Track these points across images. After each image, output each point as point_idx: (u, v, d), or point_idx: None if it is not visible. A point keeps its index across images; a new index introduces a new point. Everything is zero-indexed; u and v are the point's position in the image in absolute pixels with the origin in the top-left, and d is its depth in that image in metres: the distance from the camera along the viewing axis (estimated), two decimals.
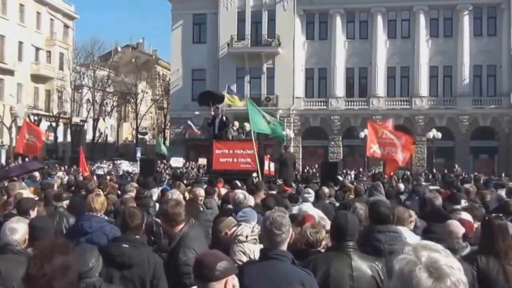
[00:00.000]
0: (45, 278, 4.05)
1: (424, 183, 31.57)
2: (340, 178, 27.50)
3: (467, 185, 17.09)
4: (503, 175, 44.07)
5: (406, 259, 2.74)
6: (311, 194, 12.84)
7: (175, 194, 11.07)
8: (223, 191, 14.88)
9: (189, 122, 54.72)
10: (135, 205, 9.94)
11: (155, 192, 14.91)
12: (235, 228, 8.07)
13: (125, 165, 52.30)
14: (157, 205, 12.00)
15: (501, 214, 8.43)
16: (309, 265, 5.75)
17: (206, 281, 4.16)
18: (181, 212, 7.34)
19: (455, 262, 2.71)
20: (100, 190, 14.14)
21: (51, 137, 73.39)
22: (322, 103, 65.61)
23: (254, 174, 19.29)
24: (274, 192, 14.60)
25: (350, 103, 65.03)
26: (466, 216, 9.56)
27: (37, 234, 6.66)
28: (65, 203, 10.78)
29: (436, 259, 2.67)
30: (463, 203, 13.12)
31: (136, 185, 15.90)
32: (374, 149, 23.57)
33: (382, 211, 7.42)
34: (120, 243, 6.72)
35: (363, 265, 5.87)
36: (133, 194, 13.98)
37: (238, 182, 17.06)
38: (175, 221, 7.27)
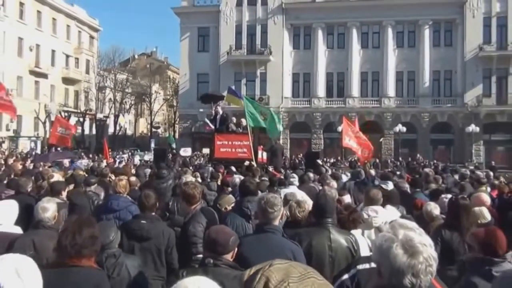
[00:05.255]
0: (76, 247, 4.20)
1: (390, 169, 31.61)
2: (320, 162, 27.47)
3: (426, 169, 17.13)
4: (467, 164, 43.69)
5: (385, 236, 2.74)
6: (295, 179, 12.80)
7: (189, 178, 11.07)
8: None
9: (206, 120, 54.26)
10: None
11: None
12: (233, 205, 8.27)
13: (136, 159, 52.13)
14: None
15: (465, 196, 8.45)
16: (295, 237, 5.75)
17: (221, 254, 4.44)
18: (197, 194, 7.55)
19: (428, 239, 2.72)
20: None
21: (79, 130, 73.32)
22: (306, 102, 65.62)
23: (246, 163, 19.18)
24: (265, 177, 14.56)
25: (329, 102, 65.03)
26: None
27: (76, 210, 6.71)
28: (93, 187, 10.71)
29: (411, 238, 2.67)
30: (433, 186, 13.21)
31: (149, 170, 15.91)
32: (347, 141, 23.56)
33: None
34: (139, 219, 6.89)
35: (340, 238, 5.88)
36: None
37: (233, 168, 17.15)
38: (190, 201, 7.51)
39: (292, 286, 2.08)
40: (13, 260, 2.98)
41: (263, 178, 14.08)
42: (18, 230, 6.47)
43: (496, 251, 4.75)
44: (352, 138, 23.60)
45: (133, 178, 12.13)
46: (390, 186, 12.60)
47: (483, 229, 5.07)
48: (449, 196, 9.25)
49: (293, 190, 11.05)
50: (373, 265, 4.49)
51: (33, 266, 3.05)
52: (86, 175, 12.91)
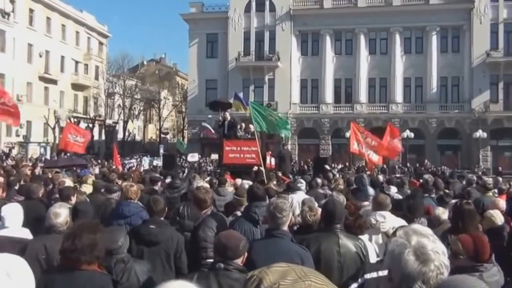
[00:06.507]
0: (75, 253, 4.26)
1: (398, 175, 31.48)
2: (328, 167, 27.48)
3: (426, 176, 16.99)
4: (476, 170, 43.58)
5: (397, 242, 2.72)
6: (303, 184, 12.78)
7: (200, 183, 11.11)
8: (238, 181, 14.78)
9: (206, 124, 54.48)
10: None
11: None
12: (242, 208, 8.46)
13: (146, 163, 52.42)
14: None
15: (470, 201, 8.47)
16: (304, 243, 5.74)
17: (231, 259, 4.46)
18: (208, 199, 7.62)
19: (441, 247, 2.69)
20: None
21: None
22: (314, 108, 65.66)
23: (255, 168, 19.16)
24: (274, 182, 14.58)
25: (337, 108, 65.05)
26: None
27: (80, 215, 6.75)
28: (115, 195, 10.65)
29: (424, 245, 2.64)
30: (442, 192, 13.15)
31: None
32: (355, 146, 23.47)
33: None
34: (148, 224, 6.92)
35: (348, 243, 5.86)
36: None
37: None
38: (201, 206, 7.56)
39: None
40: (4, 261, 2.91)
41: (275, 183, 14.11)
42: (27, 232, 6.54)
43: (484, 257, 4.83)
44: (360, 143, 23.54)
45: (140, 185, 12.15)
46: (392, 190, 12.57)
47: (469, 236, 5.08)
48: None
49: (301, 195, 11.06)
50: (380, 273, 4.50)
51: (25, 266, 3.00)
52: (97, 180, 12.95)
